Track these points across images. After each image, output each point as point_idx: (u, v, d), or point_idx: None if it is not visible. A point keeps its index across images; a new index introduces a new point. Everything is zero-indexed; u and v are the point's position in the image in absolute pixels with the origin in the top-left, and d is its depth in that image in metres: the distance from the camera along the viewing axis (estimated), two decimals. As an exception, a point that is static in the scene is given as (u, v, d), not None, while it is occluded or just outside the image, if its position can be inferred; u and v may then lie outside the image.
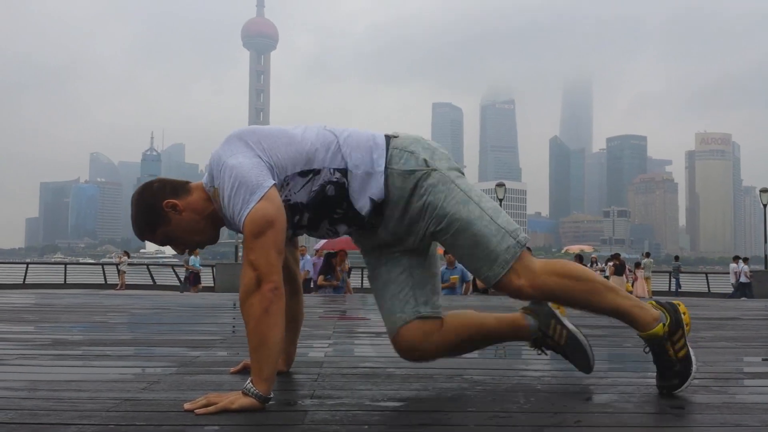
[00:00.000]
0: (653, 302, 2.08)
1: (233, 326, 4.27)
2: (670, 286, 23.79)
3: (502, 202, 27.34)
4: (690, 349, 2.02)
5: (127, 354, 2.95)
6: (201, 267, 19.59)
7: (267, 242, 1.85)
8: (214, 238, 2.12)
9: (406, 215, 2.02)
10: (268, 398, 1.81)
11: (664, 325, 2.00)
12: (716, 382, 2.30)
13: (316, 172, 2.00)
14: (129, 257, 24.22)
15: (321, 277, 10.68)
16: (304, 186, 2.00)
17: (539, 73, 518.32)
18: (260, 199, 1.86)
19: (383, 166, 2.01)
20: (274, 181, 1.92)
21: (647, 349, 2.05)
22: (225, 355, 2.89)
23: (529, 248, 2.23)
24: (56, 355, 2.87)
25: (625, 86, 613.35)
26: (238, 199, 1.88)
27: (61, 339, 3.44)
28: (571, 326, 2.13)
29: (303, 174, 1.99)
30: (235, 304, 6.64)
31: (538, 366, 2.57)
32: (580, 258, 13.60)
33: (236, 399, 1.79)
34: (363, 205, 2.01)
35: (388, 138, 2.07)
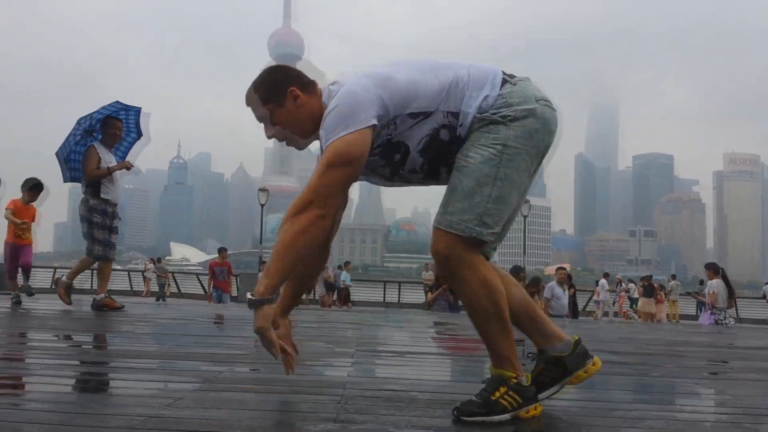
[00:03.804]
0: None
1: (256, 341, 4.28)
2: (697, 311, 23.38)
3: (527, 219, 27.15)
4: (513, 414, 1.98)
5: (152, 367, 2.96)
6: (351, 283, 19.62)
7: (336, 177, 1.90)
8: (302, 144, 2.17)
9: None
10: (268, 300, 1.91)
11: (517, 379, 1.99)
12: (747, 418, 2.24)
13: (427, 115, 2.02)
14: (155, 264, 24.44)
15: (431, 294, 10.96)
16: (412, 127, 2.02)
17: (565, 89, 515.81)
18: (353, 132, 1.91)
19: (487, 109, 2.01)
20: (375, 123, 1.95)
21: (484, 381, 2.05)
22: (248, 372, 2.90)
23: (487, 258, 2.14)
24: (82, 365, 2.90)
25: (653, 104, 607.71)
26: (335, 122, 1.93)
27: (87, 349, 3.48)
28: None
29: (413, 115, 2.02)
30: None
31: (564, 396, 2.54)
32: (537, 280, 12.18)
33: (255, 324, 1.95)
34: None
35: (505, 81, 2.07)
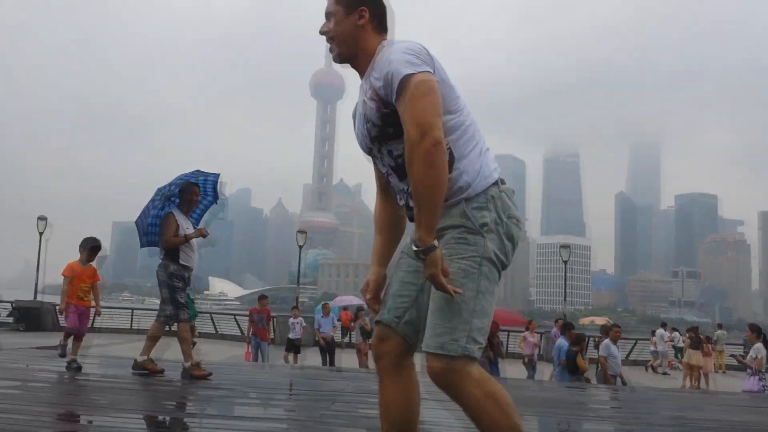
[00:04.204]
0: None
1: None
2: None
3: (567, 265, 26.67)
4: None
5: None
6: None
7: (430, 103, 1.99)
8: (337, 58, 2.27)
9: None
10: (434, 246, 1.96)
11: None
12: None
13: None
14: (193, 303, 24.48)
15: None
16: None
17: (605, 127, 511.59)
18: (426, 72, 2.04)
19: (471, 196, 2.10)
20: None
21: None
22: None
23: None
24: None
25: (695, 142, 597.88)
26: (407, 61, 2.04)
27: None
28: None
29: None
30: (291, 385, 6.56)
31: None
32: (581, 338, 11.20)
33: (429, 270, 1.97)
34: None
35: (498, 183, 2.15)
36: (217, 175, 6.47)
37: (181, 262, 6.01)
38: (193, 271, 6.19)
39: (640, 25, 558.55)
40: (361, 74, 2.24)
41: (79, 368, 6.03)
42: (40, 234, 25.40)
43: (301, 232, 26.85)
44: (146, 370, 5.90)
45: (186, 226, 6.07)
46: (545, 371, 13.84)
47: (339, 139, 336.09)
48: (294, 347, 15.04)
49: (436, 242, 1.97)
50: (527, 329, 14.51)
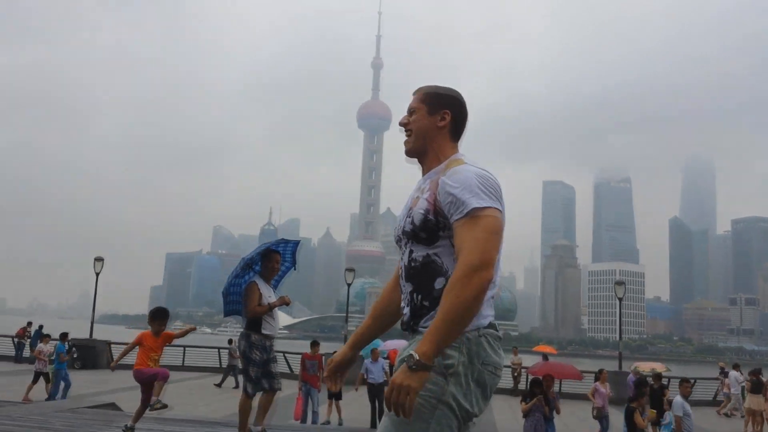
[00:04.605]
0: None
1: None
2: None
3: (622, 302, 25.89)
4: None
5: None
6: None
7: (497, 243, 2.00)
8: (409, 152, 2.31)
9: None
10: (430, 367, 1.90)
11: None
12: None
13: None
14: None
15: (524, 404, 10.51)
16: (450, 245, 2.10)
17: (657, 150, 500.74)
18: (501, 211, 2.07)
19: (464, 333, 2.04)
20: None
21: None
22: None
23: None
24: None
25: (751, 164, 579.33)
26: (488, 191, 2.06)
27: None
28: None
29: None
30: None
31: None
32: (642, 394, 10.34)
33: (408, 381, 1.87)
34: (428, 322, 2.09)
35: (480, 327, 2.06)
36: (298, 242, 6.51)
37: (263, 331, 5.94)
38: (275, 338, 6.11)
39: (688, 46, 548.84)
40: (424, 172, 2.27)
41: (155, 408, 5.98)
42: (97, 274, 26.00)
43: (349, 270, 26.86)
44: None
45: (268, 295, 6.02)
46: (614, 420, 13.20)
47: (385, 169, 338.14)
48: (335, 394, 14.81)
49: (434, 365, 1.93)
50: (598, 380, 13.66)
